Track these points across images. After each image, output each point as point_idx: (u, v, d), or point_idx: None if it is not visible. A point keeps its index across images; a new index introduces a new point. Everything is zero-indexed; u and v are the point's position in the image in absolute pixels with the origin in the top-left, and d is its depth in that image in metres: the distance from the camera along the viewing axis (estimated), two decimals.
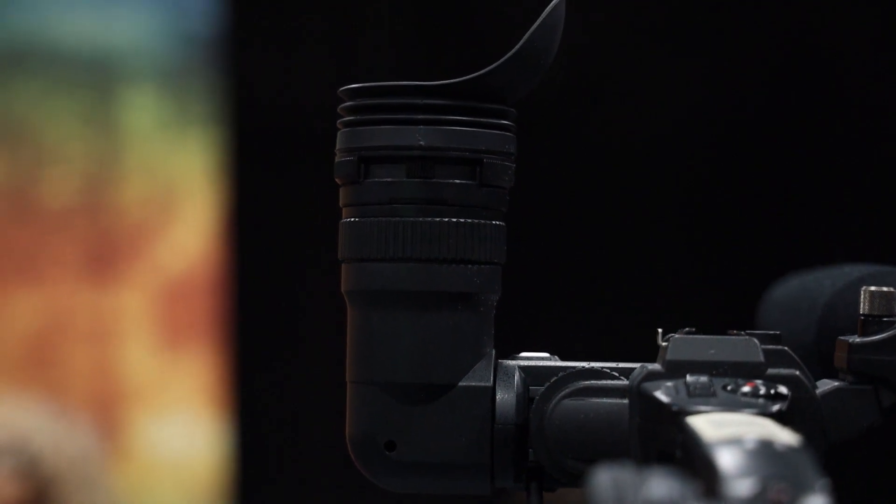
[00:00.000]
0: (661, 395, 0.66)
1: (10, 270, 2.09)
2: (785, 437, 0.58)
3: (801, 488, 0.55)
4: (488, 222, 0.75)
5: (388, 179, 0.75)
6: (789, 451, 0.57)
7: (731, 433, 0.58)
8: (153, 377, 2.09)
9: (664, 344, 0.70)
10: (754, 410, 0.64)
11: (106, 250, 2.10)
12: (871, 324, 0.71)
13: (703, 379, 0.67)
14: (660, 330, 0.71)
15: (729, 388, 0.66)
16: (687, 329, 0.71)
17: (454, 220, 0.74)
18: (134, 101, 2.10)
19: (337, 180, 0.77)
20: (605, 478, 0.55)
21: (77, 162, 2.08)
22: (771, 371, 0.69)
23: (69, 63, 2.09)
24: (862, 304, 0.71)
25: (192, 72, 2.10)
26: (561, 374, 0.74)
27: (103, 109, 2.10)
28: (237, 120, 2.04)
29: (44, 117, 2.09)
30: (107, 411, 2.08)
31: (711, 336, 0.70)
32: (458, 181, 0.74)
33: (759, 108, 1.88)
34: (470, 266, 0.74)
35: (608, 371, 0.74)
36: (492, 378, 0.74)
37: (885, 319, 0.71)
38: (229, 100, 2.05)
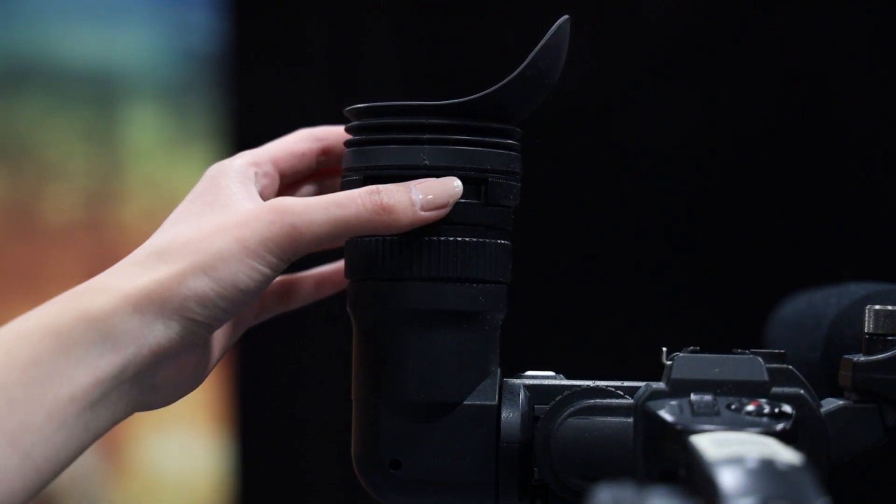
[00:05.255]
0: (665, 414, 0.66)
1: (11, 286, 2.09)
2: (787, 455, 0.58)
3: None
4: (493, 241, 0.75)
5: None
6: (791, 469, 0.57)
7: (733, 452, 0.58)
8: None
9: (669, 363, 0.70)
10: (758, 429, 0.64)
11: (108, 266, 2.10)
12: (875, 342, 0.71)
13: (708, 398, 0.67)
14: (664, 349, 0.71)
15: (733, 406, 0.66)
16: (691, 348, 0.71)
17: (459, 239, 0.75)
18: (136, 117, 2.11)
19: None
20: (605, 496, 0.55)
21: (79, 178, 2.09)
22: (775, 390, 0.69)
23: (71, 79, 2.09)
24: (867, 323, 0.71)
25: (194, 88, 2.10)
26: (566, 392, 0.74)
27: (105, 126, 2.10)
28: (239, 136, 2.04)
29: (46, 133, 2.10)
30: None
31: (716, 355, 0.70)
32: (463, 200, 0.75)
33: (764, 129, 1.88)
34: (475, 285, 0.75)
35: (613, 390, 0.74)
36: (497, 397, 0.74)
37: (889, 338, 0.71)
38: (231, 116, 2.05)
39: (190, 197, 0.76)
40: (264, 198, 0.77)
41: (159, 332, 0.71)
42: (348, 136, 0.78)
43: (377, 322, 0.75)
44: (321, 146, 0.81)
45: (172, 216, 0.75)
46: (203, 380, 0.77)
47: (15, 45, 2.09)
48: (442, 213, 0.73)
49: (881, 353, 0.71)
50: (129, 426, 2.06)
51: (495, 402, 0.74)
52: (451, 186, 0.74)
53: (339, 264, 0.82)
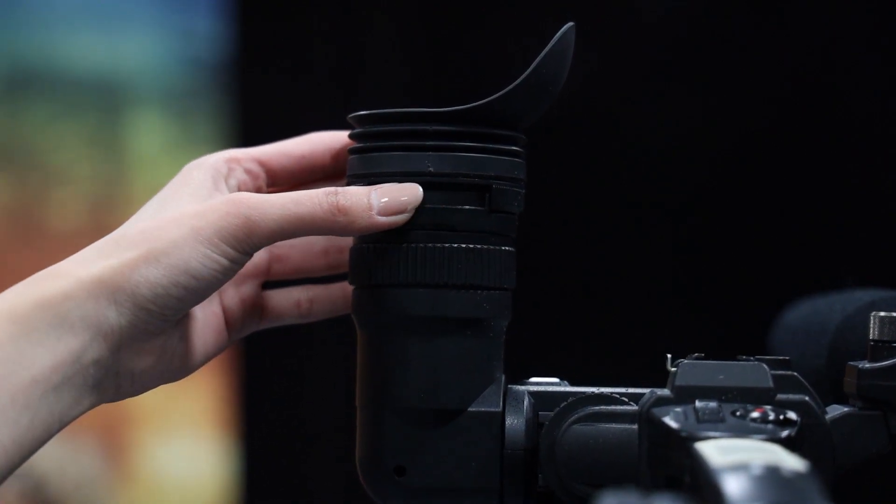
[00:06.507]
0: (669, 421, 0.66)
1: None
2: (793, 463, 0.58)
3: None
4: (498, 248, 0.75)
5: None
6: (796, 477, 0.57)
7: (738, 459, 0.58)
8: (158, 399, 2.09)
9: (673, 369, 0.70)
10: (763, 436, 0.64)
11: None
12: (880, 349, 0.71)
13: (713, 404, 0.67)
14: (669, 355, 0.71)
15: (738, 413, 0.66)
16: (696, 354, 0.71)
17: (463, 245, 0.74)
18: (140, 123, 2.11)
19: None
20: (610, 503, 0.55)
21: (84, 184, 2.09)
22: (780, 396, 0.69)
23: (76, 86, 2.09)
24: (871, 330, 0.71)
25: (199, 95, 2.10)
26: (570, 399, 0.74)
27: (110, 132, 2.10)
28: (243, 143, 2.04)
29: (50, 139, 2.10)
30: (112, 434, 2.08)
31: (720, 361, 0.70)
32: (467, 207, 0.75)
33: (768, 133, 1.88)
34: (479, 292, 0.75)
35: (618, 396, 0.74)
36: (501, 403, 0.74)
37: (894, 345, 0.71)
38: (235, 123, 2.05)
39: (164, 189, 0.78)
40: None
41: (113, 318, 0.72)
42: (353, 143, 0.78)
43: (381, 329, 0.75)
44: (328, 151, 0.81)
45: (143, 207, 0.76)
46: (183, 375, 0.78)
47: (20, 52, 2.10)
48: (400, 219, 0.74)
49: (886, 359, 0.71)
50: (132, 431, 2.06)
51: (500, 408, 0.74)
52: (411, 192, 0.74)
53: (338, 286, 0.82)
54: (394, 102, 0.79)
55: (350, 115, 0.78)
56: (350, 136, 0.78)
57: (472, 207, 0.75)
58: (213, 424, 2.05)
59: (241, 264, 0.73)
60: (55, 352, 0.71)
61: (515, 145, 0.76)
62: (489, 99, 0.75)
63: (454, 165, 0.75)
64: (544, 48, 0.75)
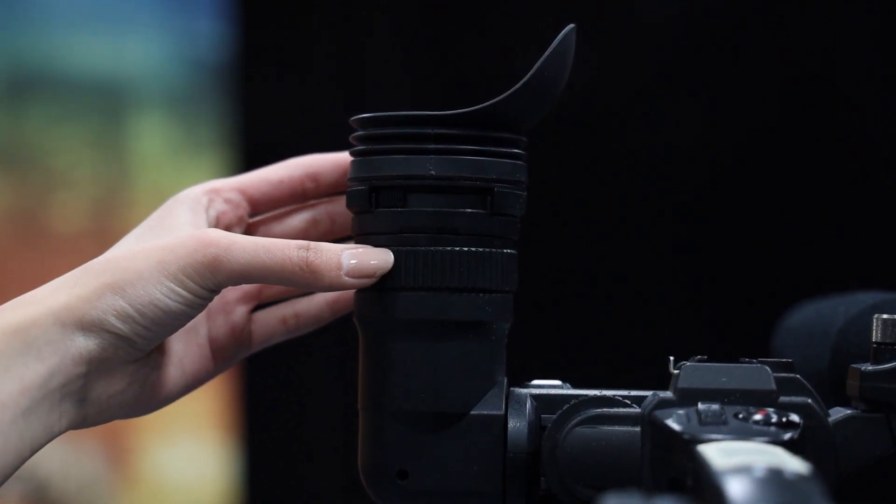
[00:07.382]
0: (672, 423, 0.66)
1: (18, 294, 2.09)
2: (795, 465, 0.58)
3: None
4: (499, 251, 0.75)
5: (399, 209, 0.75)
6: (799, 479, 0.57)
7: (740, 462, 0.58)
8: None
9: (676, 372, 0.70)
10: (766, 439, 0.64)
11: None
12: (883, 352, 0.71)
13: (715, 407, 0.67)
14: (671, 358, 0.71)
15: (740, 416, 0.66)
16: (699, 357, 0.71)
17: (465, 248, 0.74)
18: (143, 126, 2.11)
19: (349, 209, 0.77)
20: None
21: (86, 187, 2.09)
22: (783, 399, 0.69)
23: (78, 88, 2.09)
24: (874, 332, 0.71)
25: (202, 97, 2.10)
26: (573, 401, 0.74)
27: (112, 134, 2.10)
28: (246, 145, 2.04)
29: (53, 142, 2.10)
30: (114, 437, 2.08)
31: (723, 364, 0.70)
32: (469, 210, 0.75)
33: (771, 137, 1.88)
34: (481, 295, 0.75)
35: (620, 399, 0.74)
36: (503, 406, 0.74)
37: None
38: (238, 125, 2.06)
39: (144, 222, 0.79)
40: (222, 223, 0.80)
41: (80, 343, 0.72)
42: (354, 146, 0.78)
43: (383, 332, 0.75)
44: (305, 173, 0.82)
45: (121, 240, 0.77)
46: (157, 406, 0.79)
47: (22, 54, 2.10)
48: (367, 282, 0.74)
49: (889, 362, 0.71)
50: (135, 435, 2.06)
51: (502, 411, 0.74)
52: (382, 259, 0.74)
53: (316, 298, 0.83)
54: (395, 105, 0.79)
55: (352, 118, 0.78)
56: (351, 139, 0.78)
57: (474, 210, 0.75)
58: (215, 427, 2.05)
59: (208, 300, 0.74)
60: (23, 377, 0.72)
61: (517, 148, 0.76)
62: (491, 102, 0.75)
63: (456, 168, 0.75)
64: (545, 50, 0.75)
